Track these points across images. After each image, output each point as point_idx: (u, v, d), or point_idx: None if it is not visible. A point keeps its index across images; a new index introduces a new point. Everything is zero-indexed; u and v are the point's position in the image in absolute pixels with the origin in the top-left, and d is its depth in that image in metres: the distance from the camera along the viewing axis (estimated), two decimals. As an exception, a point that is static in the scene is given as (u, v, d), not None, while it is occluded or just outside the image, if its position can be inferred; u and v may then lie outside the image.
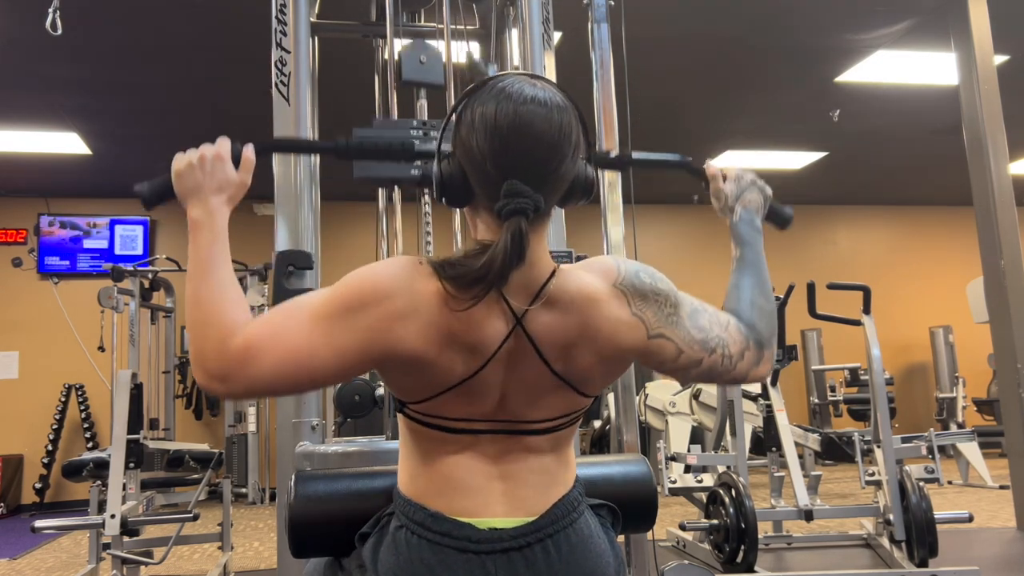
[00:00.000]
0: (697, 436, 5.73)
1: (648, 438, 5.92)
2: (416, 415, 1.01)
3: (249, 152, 1.09)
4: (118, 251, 7.52)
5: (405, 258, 0.98)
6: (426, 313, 0.94)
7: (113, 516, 3.22)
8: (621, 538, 1.17)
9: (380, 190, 2.63)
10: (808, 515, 3.66)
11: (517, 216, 0.92)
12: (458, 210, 1.06)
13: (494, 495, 1.01)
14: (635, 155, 1.31)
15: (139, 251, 7.53)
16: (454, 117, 1.02)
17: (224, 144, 1.08)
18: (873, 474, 3.79)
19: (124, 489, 3.47)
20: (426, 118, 2.31)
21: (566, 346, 0.99)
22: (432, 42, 2.76)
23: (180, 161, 1.06)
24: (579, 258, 1.44)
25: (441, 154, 1.02)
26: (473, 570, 0.97)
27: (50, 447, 6.88)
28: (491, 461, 1.02)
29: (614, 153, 1.32)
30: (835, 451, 5.09)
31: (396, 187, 2.24)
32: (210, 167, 1.05)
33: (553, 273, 0.99)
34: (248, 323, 0.95)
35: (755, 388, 4.57)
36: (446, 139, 1.02)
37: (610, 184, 2.47)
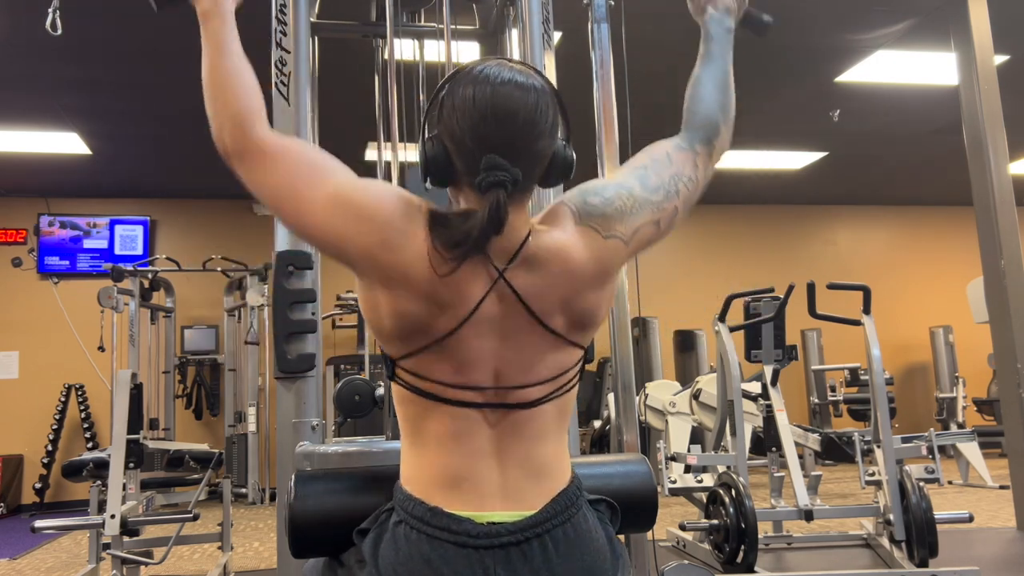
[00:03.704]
0: (697, 436, 5.73)
1: (648, 438, 5.92)
2: (406, 377, 1.03)
3: None
4: (118, 251, 7.52)
5: (412, 198, 1.04)
6: (410, 256, 0.99)
7: (113, 516, 3.22)
8: (621, 537, 1.17)
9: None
10: (808, 515, 3.66)
11: (496, 188, 0.97)
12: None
13: (492, 486, 1.02)
14: None
15: (139, 251, 7.52)
16: (437, 101, 1.07)
17: None
18: (873, 474, 3.79)
19: (124, 489, 3.46)
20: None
21: (560, 301, 1.03)
22: (432, 42, 2.77)
23: None
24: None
25: (425, 136, 1.07)
26: (472, 565, 0.97)
27: (50, 447, 6.88)
28: (489, 448, 1.03)
29: None
30: (835, 451, 5.09)
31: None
32: None
33: (529, 234, 1.03)
34: (272, 132, 1.05)
35: (755, 388, 4.57)
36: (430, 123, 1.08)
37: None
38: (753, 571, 3.48)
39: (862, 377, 7.35)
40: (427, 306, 0.99)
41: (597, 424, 6.81)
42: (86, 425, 7.04)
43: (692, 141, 1.18)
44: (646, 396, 5.66)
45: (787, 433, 4.16)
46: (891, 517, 3.47)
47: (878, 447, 3.72)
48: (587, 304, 1.05)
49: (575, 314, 1.04)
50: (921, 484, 3.51)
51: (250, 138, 1.03)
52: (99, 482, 3.76)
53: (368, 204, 1.01)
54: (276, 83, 2.22)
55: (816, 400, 8.10)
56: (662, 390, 5.66)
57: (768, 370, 4.32)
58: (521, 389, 1.03)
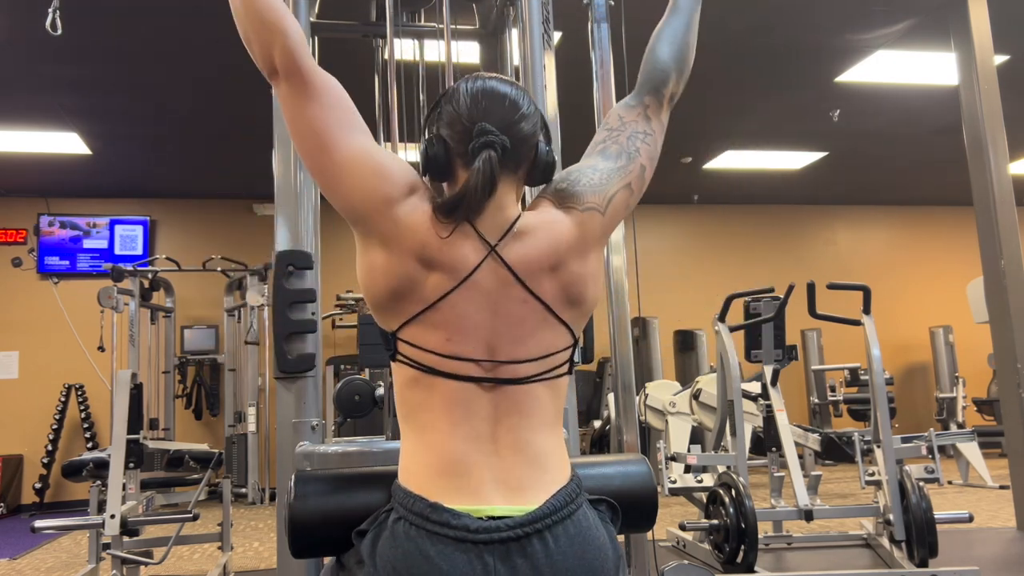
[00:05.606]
0: (697, 436, 5.73)
1: (648, 438, 5.92)
2: (404, 349, 1.07)
3: None
4: (118, 251, 7.52)
5: (416, 175, 1.12)
6: (409, 220, 1.06)
7: (113, 516, 3.22)
8: (621, 538, 1.17)
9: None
10: (808, 515, 3.66)
11: (486, 149, 1.06)
12: None
13: (491, 475, 1.03)
14: None
15: (139, 251, 7.53)
16: (436, 110, 1.16)
17: None
18: (873, 474, 3.79)
19: (124, 489, 3.46)
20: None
21: (548, 267, 1.08)
22: (432, 42, 2.77)
23: None
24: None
25: (424, 137, 1.16)
26: (471, 561, 0.97)
27: (50, 447, 6.88)
28: (486, 432, 1.04)
29: None
30: (835, 451, 5.09)
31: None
32: None
33: (519, 217, 1.11)
34: (314, 63, 1.11)
35: (755, 388, 4.57)
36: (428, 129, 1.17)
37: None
38: (753, 571, 3.48)
39: (862, 377, 7.35)
40: (421, 267, 1.05)
41: (597, 424, 6.81)
42: (86, 425, 7.04)
43: (640, 95, 1.26)
44: (646, 396, 5.66)
45: (787, 433, 4.16)
46: (891, 517, 3.47)
47: (878, 447, 3.72)
48: (572, 272, 1.10)
49: (562, 284, 1.09)
50: (921, 484, 3.51)
51: (302, 63, 1.08)
52: (99, 482, 3.76)
53: (385, 165, 1.09)
54: (276, 83, 2.21)
55: (816, 400, 8.10)
56: (662, 390, 5.66)
57: (768, 370, 4.32)
58: (512, 364, 1.06)
